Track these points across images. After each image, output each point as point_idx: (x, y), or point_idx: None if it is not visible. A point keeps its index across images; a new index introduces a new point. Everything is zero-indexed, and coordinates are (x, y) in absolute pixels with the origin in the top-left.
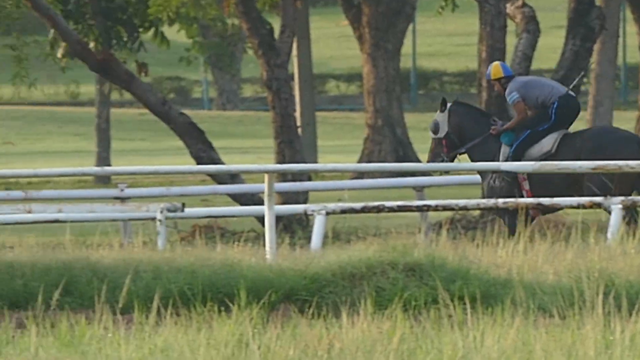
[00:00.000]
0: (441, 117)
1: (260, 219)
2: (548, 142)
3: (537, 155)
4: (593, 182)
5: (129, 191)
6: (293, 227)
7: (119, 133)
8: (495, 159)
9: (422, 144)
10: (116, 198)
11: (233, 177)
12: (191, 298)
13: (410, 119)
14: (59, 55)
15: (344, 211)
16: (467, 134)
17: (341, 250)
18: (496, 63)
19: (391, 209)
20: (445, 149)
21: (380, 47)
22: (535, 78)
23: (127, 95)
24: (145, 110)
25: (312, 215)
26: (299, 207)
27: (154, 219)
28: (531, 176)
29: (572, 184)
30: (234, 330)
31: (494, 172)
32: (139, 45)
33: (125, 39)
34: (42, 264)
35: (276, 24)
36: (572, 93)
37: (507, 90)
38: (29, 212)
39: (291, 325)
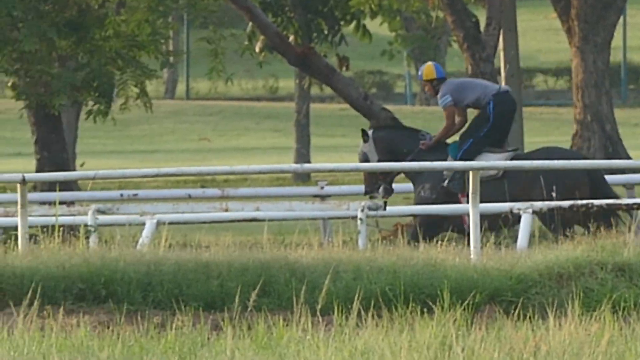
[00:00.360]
0: (367, 148)
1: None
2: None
3: (484, 177)
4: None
5: (328, 189)
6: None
7: (318, 129)
8: (432, 175)
9: (632, 140)
10: (315, 196)
11: None
12: (393, 299)
13: (620, 115)
14: (256, 49)
15: (550, 209)
16: (399, 154)
17: (548, 250)
18: (429, 63)
19: (600, 208)
20: (380, 176)
21: (589, 41)
22: (467, 80)
23: (328, 90)
24: (346, 106)
25: (517, 213)
26: (504, 206)
27: (354, 217)
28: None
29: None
30: (437, 333)
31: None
32: (340, 38)
33: (326, 32)
34: (239, 263)
35: (482, 16)
36: (506, 88)
37: (440, 93)
38: (226, 210)
39: (496, 327)
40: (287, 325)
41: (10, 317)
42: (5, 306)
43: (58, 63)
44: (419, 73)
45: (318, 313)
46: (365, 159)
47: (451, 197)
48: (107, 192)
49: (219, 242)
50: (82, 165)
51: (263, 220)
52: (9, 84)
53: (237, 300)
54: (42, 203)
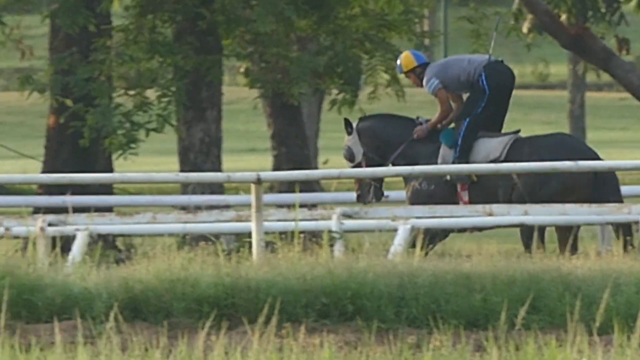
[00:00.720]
0: (351, 141)
1: None
2: (496, 147)
3: (484, 162)
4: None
5: None
6: None
7: (595, 121)
8: (430, 163)
9: None
10: None
11: None
12: None
13: None
14: (524, 29)
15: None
16: (388, 146)
17: None
18: (406, 52)
19: None
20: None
21: None
22: (450, 57)
23: (605, 77)
24: (627, 95)
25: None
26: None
27: (637, 222)
28: (474, 185)
29: (509, 196)
30: None
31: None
32: (620, 17)
33: (603, 10)
34: (505, 275)
35: None
36: (497, 58)
37: (425, 79)
38: (490, 214)
39: None
40: (560, 345)
41: (244, 336)
42: (238, 324)
43: (297, 46)
44: (398, 65)
45: (595, 332)
46: (350, 154)
47: (452, 193)
48: (352, 194)
49: (481, 251)
50: (325, 162)
51: (532, 225)
52: (242, 70)
53: (503, 317)
54: (280, 206)
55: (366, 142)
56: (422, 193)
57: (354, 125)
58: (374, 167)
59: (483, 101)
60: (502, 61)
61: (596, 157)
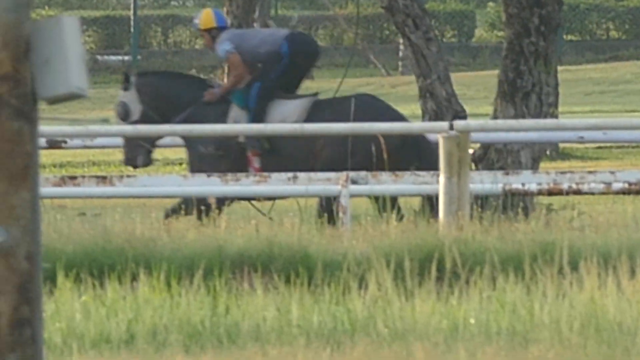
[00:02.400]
0: (128, 97)
1: None
2: (293, 111)
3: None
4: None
5: None
6: None
7: None
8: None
9: None
10: None
11: None
12: None
13: None
14: None
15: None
16: (172, 106)
17: None
18: (208, 10)
19: None
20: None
21: None
22: (250, 29)
23: None
24: None
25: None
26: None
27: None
28: (269, 152)
29: (312, 166)
30: None
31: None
32: None
33: None
34: None
35: None
36: (300, 31)
37: (218, 42)
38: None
39: None
40: None
41: None
42: None
43: None
44: (195, 21)
45: None
46: (125, 111)
47: (241, 159)
48: None
49: None
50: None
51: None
52: None
53: None
54: None
55: (148, 101)
56: (207, 158)
57: (133, 80)
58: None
59: (280, 67)
60: (305, 34)
61: (402, 119)
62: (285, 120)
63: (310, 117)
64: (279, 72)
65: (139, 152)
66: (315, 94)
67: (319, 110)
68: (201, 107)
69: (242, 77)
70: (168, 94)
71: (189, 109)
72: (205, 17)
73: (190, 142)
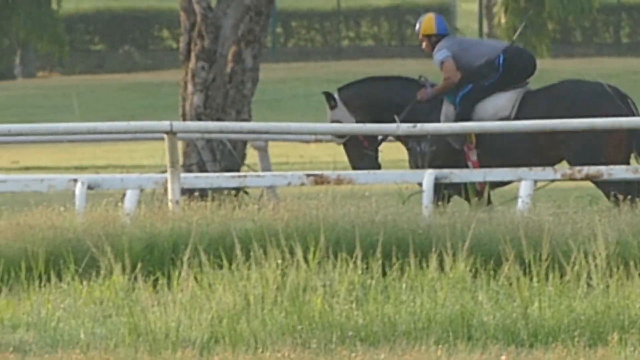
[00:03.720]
0: (338, 114)
1: None
2: (505, 104)
3: (492, 119)
4: (573, 147)
5: None
6: None
7: None
8: (431, 121)
9: None
10: None
11: None
12: None
13: None
14: None
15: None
16: (385, 111)
17: None
18: (430, 15)
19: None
20: (365, 143)
21: None
22: (470, 38)
23: None
24: None
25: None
26: None
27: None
28: (482, 143)
29: (538, 152)
30: None
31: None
32: None
33: None
34: None
35: None
36: (519, 45)
37: (436, 48)
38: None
39: None
40: None
41: None
42: None
43: None
44: (417, 27)
45: None
46: None
47: (457, 154)
48: None
49: None
50: None
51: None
52: None
53: None
54: None
55: (358, 111)
56: (425, 156)
57: (336, 96)
58: (371, 136)
59: (493, 78)
60: (522, 48)
61: (632, 103)
62: (497, 113)
63: (522, 108)
64: (491, 82)
65: (364, 161)
66: (526, 83)
67: (530, 100)
68: (415, 107)
69: (453, 82)
70: (378, 98)
71: (405, 109)
72: (426, 23)
73: (408, 141)
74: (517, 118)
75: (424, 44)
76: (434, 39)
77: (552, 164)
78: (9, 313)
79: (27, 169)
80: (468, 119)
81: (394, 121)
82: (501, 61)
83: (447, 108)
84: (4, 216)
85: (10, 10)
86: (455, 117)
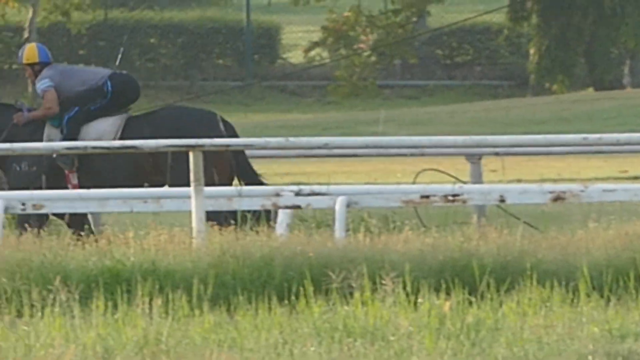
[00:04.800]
0: None
1: None
2: (110, 130)
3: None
4: (174, 173)
5: None
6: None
7: None
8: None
9: None
10: None
11: None
12: None
13: None
14: None
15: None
16: None
17: None
18: (32, 45)
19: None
20: None
21: None
22: (73, 67)
23: None
24: None
25: None
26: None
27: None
28: (83, 167)
29: (139, 177)
30: None
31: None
32: None
33: None
34: None
35: None
36: (123, 72)
37: (39, 77)
38: None
39: None
40: None
41: None
42: None
43: None
44: (19, 55)
45: None
46: None
47: (58, 173)
48: None
49: None
50: None
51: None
52: None
53: None
54: None
55: None
56: (23, 176)
57: None
58: None
59: (101, 102)
60: (128, 74)
61: (232, 127)
62: (102, 137)
63: (126, 132)
64: (98, 106)
65: None
66: (128, 110)
67: (136, 126)
68: (14, 128)
69: (54, 112)
70: None
71: (3, 132)
72: (29, 52)
73: (6, 162)
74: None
75: (27, 73)
76: (37, 67)
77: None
78: (618, 323)
79: (635, 178)
80: (75, 140)
81: None
82: (109, 87)
83: (49, 130)
84: (612, 226)
85: (620, 19)
86: (63, 139)
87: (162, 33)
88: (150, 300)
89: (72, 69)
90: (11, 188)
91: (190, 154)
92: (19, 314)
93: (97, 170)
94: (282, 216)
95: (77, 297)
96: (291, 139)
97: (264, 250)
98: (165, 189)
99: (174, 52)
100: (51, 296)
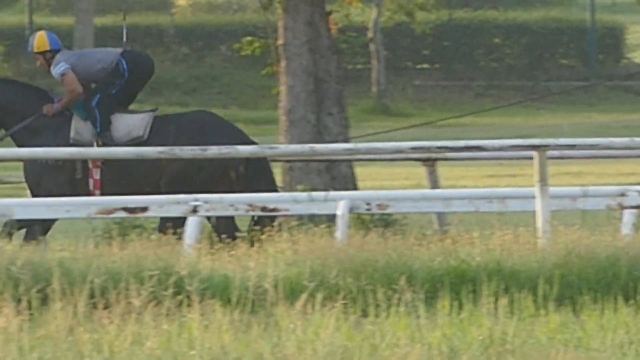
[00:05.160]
0: None
1: None
2: (139, 125)
3: (125, 140)
4: (178, 179)
5: None
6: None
7: None
8: (57, 140)
9: None
10: None
11: None
12: None
13: None
14: None
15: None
16: (10, 114)
17: None
18: (41, 33)
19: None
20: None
21: None
22: (84, 50)
23: None
24: None
25: None
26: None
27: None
28: (109, 163)
29: (157, 180)
30: None
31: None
32: None
33: None
34: None
35: None
36: (133, 49)
37: (54, 63)
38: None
39: None
40: None
41: None
42: None
43: None
44: (29, 44)
45: None
46: None
47: (80, 170)
48: None
49: None
50: None
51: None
52: None
53: None
54: None
55: None
56: (46, 169)
57: None
58: None
59: (120, 83)
60: (140, 52)
61: (247, 139)
62: (131, 133)
63: (153, 133)
64: (118, 88)
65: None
66: (155, 109)
67: (163, 126)
68: (42, 118)
69: (79, 93)
70: (6, 101)
71: (28, 118)
72: (39, 40)
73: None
74: (149, 140)
75: (38, 62)
76: (49, 55)
77: (156, 186)
78: None
79: None
80: (109, 127)
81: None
82: (124, 65)
83: (77, 123)
84: None
85: None
86: (100, 126)
87: (506, 33)
88: (496, 300)
89: (83, 52)
90: (31, 181)
91: (535, 154)
92: (364, 314)
93: (124, 167)
94: (628, 216)
95: (422, 296)
96: (636, 139)
97: (609, 250)
98: (511, 189)
99: (518, 52)
100: (396, 296)
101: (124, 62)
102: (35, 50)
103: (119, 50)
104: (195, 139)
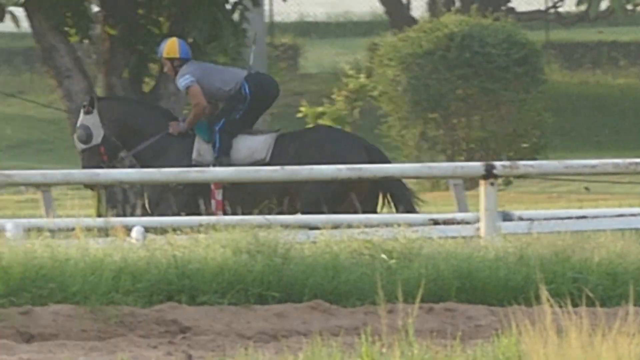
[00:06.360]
0: (91, 120)
1: None
2: (261, 147)
3: (247, 162)
4: (308, 195)
5: None
6: None
7: None
8: (180, 161)
9: None
10: None
11: None
12: None
13: None
14: None
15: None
16: (135, 133)
17: None
18: (173, 39)
19: None
20: (104, 157)
21: None
22: (211, 65)
23: None
24: None
25: None
26: None
27: None
28: (232, 184)
29: (283, 196)
30: None
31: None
32: None
33: None
34: None
35: None
36: (257, 70)
37: (179, 74)
38: None
39: None
40: None
41: None
42: None
43: None
44: (159, 48)
45: None
46: (87, 135)
47: (203, 192)
48: None
49: None
50: None
51: None
52: None
53: None
54: None
55: (111, 125)
56: (168, 190)
57: (96, 102)
58: (112, 152)
59: (243, 107)
60: (263, 74)
61: (378, 152)
62: (254, 155)
63: (275, 154)
64: (241, 112)
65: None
66: (278, 130)
67: (283, 146)
68: (166, 138)
69: (204, 106)
70: (134, 121)
71: (152, 137)
72: (170, 46)
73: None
74: (271, 162)
75: (166, 68)
76: (177, 63)
77: (279, 205)
78: None
79: None
80: (228, 152)
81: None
82: (247, 90)
83: (199, 145)
84: None
85: None
86: (218, 151)
87: None
88: None
89: (211, 67)
90: (152, 200)
91: None
92: None
93: (244, 188)
94: None
95: None
96: None
97: None
98: None
99: None
100: None
101: (246, 85)
102: (165, 55)
103: (244, 72)
104: (319, 158)
